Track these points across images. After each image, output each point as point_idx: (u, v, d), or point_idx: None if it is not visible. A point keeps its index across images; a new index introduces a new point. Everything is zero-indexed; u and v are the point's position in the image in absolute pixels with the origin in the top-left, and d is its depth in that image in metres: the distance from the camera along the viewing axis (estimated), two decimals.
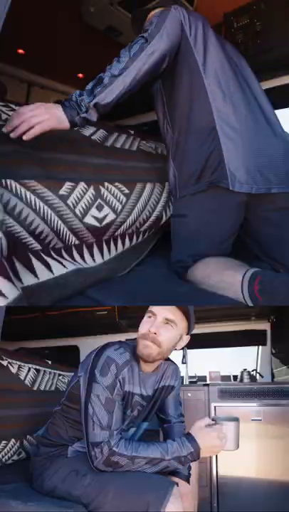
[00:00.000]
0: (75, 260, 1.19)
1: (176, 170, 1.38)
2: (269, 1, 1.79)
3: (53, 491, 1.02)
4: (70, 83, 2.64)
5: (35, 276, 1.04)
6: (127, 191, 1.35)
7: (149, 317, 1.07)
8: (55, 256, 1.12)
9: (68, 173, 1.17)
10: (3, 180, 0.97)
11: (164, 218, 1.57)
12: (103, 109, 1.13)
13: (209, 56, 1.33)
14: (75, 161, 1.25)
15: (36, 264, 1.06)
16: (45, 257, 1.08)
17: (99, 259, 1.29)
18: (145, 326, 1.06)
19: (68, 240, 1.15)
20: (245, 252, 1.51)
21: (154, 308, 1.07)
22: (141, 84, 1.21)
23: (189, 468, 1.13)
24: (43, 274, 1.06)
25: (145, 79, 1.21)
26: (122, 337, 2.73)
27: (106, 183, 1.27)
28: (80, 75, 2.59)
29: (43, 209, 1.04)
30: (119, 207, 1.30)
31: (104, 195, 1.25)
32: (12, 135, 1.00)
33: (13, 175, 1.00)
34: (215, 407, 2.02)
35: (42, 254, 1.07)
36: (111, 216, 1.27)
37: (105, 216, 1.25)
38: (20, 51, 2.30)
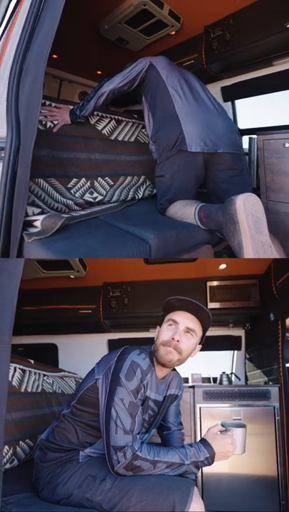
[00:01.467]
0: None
1: (156, 145, 2.01)
2: (236, 18, 2.30)
3: (67, 498, 0.99)
4: (91, 78, 3.25)
5: None
6: (111, 183, 2.05)
7: (170, 325, 1.12)
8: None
9: (76, 171, 1.86)
10: (36, 179, 1.68)
11: (136, 199, 2.23)
12: (86, 117, 1.94)
13: (170, 76, 2.01)
14: (83, 159, 1.93)
15: None
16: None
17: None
18: (167, 333, 1.10)
19: (74, 209, 1.83)
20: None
21: (176, 317, 1.12)
22: (105, 104, 1.97)
23: (195, 473, 1.11)
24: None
25: (105, 103, 1.95)
26: (103, 337, 3.03)
27: (99, 178, 1.97)
28: (99, 72, 3.17)
29: (58, 196, 1.75)
30: (105, 192, 2.01)
31: (96, 186, 1.96)
32: (44, 119, 1.78)
33: (42, 175, 1.70)
34: (200, 408, 2.18)
35: None
36: (100, 197, 1.98)
37: (97, 197, 1.96)
38: (54, 56, 2.91)
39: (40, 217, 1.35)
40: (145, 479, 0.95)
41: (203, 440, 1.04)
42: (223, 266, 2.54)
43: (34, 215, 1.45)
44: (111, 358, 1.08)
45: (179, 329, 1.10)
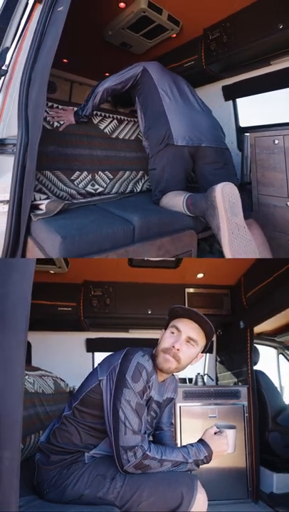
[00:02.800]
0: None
1: (148, 141, 2.24)
2: (232, 21, 2.46)
3: (78, 499, 1.01)
4: (99, 80, 3.47)
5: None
6: (111, 176, 2.30)
7: (172, 333, 1.13)
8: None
9: (79, 165, 2.12)
10: (44, 171, 1.94)
11: (135, 191, 2.45)
12: (88, 116, 2.18)
13: (161, 79, 2.25)
14: (86, 155, 2.18)
15: None
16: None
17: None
18: (169, 340, 1.12)
19: (77, 198, 2.07)
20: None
21: (179, 325, 1.12)
22: (102, 103, 2.20)
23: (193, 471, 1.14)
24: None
25: (102, 101, 2.18)
26: (81, 336, 2.97)
27: (100, 172, 2.22)
28: (107, 74, 3.36)
29: (63, 186, 2.01)
30: (105, 184, 2.26)
31: (97, 179, 2.21)
32: (51, 119, 2.03)
33: (49, 167, 1.97)
34: (180, 406, 2.32)
35: None
36: (101, 189, 2.22)
37: (97, 188, 2.21)
38: (65, 60, 3.16)
39: (45, 202, 1.61)
40: (153, 475, 1.01)
41: (201, 440, 1.10)
42: (200, 275, 2.69)
43: (41, 200, 1.71)
44: (115, 359, 1.10)
45: (181, 338, 1.11)
